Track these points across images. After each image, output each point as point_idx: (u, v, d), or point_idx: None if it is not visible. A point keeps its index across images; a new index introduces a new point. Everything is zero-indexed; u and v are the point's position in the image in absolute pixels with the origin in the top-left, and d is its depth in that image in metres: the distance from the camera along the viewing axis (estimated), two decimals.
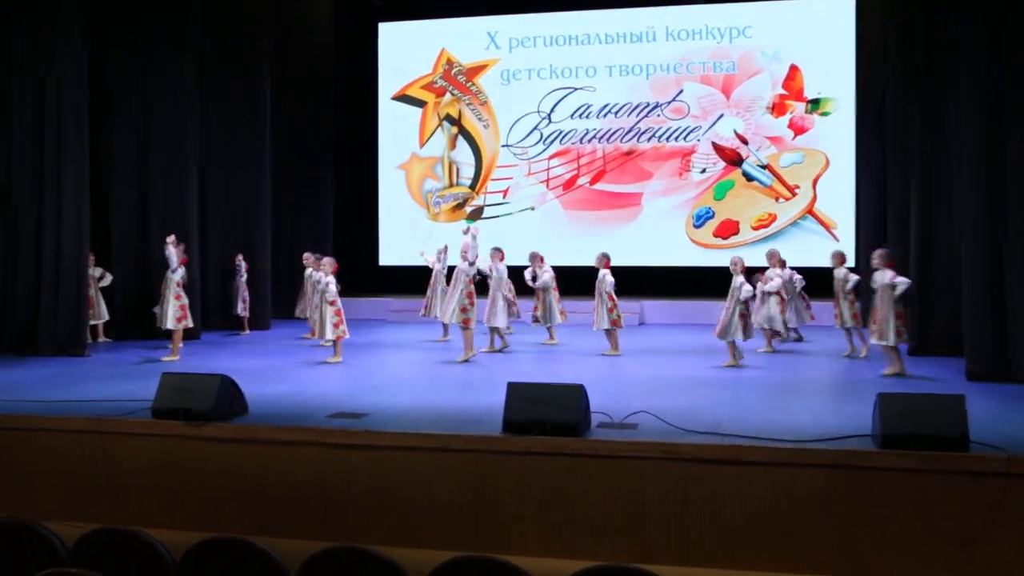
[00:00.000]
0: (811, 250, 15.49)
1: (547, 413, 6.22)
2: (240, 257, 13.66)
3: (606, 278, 11.21)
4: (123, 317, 12.89)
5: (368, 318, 15.53)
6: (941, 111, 10.65)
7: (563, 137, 17.09)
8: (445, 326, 12.64)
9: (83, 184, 11.34)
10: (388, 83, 17.96)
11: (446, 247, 13.21)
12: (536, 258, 12.37)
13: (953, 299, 10.10)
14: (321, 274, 10.76)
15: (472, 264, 10.80)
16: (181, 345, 10.98)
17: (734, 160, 16.30)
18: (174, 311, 10.80)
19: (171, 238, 11.16)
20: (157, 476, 6.81)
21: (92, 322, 12.20)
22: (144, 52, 12.86)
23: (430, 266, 13.09)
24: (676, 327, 14.56)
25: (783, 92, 16.12)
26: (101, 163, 12.54)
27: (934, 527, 5.61)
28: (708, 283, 14.50)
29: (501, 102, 17.38)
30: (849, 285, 10.80)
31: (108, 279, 12.68)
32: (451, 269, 11.54)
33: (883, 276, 9.34)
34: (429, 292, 12.98)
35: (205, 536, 4.38)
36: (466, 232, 11.24)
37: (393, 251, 17.70)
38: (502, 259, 11.44)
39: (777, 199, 16.12)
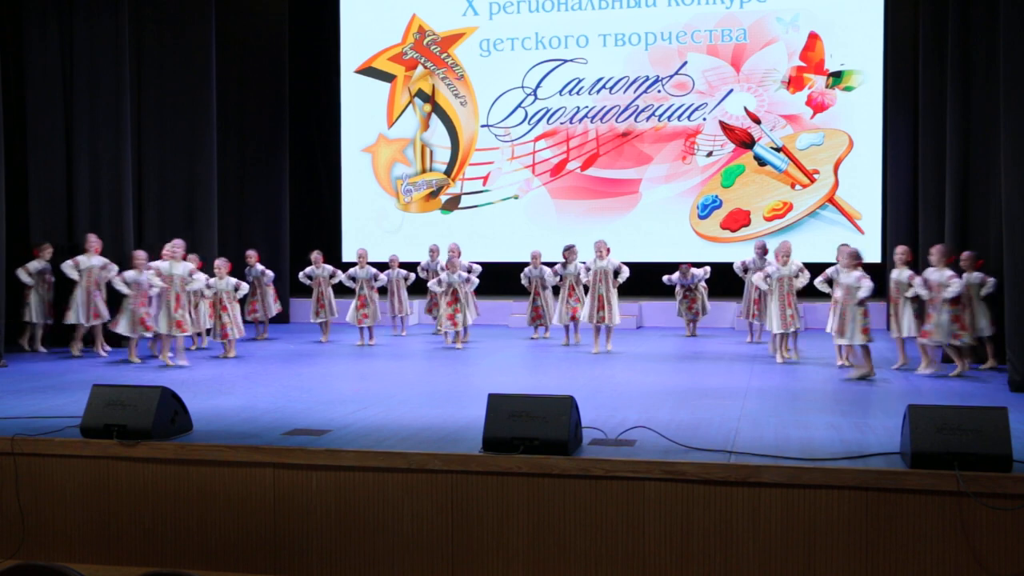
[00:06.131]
0: (832, 244, 15.50)
1: (533, 429, 6.21)
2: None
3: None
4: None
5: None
6: (982, 85, 10.69)
7: (551, 116, 17.10)
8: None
9: None
10: (351, 54, 17.92)
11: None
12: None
13: (995, 300, 10.15)
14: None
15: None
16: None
17: (744, 142, 16.35)
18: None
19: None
20: (86, 504, 6.75)
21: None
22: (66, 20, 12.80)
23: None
24: (678, 331, 14.60)
25: (801, 64, 16.18)
26: (13, 144, 12.39)
27: (973, 558, 5.63)
28: (715, 281, 14.51)
29: (480, 76, 17.37)
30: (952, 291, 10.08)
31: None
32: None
33: (941, 276, 10.09)
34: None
35: (141, 572, 4.35)
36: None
37: (358, 246, 17.58)
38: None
39: (793, 186, 16.18)
